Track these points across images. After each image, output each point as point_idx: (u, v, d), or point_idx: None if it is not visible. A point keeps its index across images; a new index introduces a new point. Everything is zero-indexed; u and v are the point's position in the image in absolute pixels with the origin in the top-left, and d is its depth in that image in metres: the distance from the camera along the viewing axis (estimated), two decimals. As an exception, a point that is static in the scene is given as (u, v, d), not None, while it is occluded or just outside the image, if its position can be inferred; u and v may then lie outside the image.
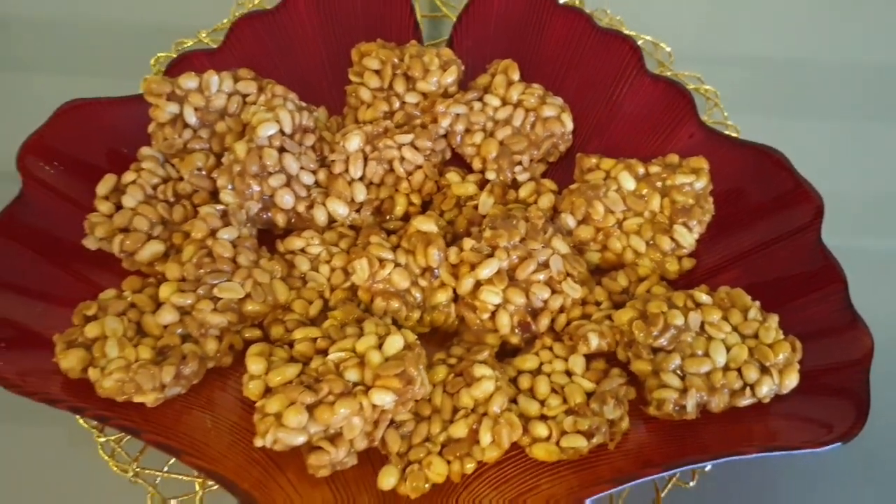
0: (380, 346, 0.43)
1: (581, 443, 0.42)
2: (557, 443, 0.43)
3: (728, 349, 0.44)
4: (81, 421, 0.47)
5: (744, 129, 0.57)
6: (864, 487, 0.47)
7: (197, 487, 0.45)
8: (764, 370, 0.44)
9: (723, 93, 0.60)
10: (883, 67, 0.67)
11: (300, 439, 0.41)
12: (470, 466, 0.42)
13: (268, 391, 0.42)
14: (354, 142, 0.51)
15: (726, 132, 0.56)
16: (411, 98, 0.55)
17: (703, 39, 0.68)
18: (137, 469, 0.46)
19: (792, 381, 0.43)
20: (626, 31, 0.59)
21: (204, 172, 0.51)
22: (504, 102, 0.54)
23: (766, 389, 0.43)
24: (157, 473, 0.46)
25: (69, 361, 0.43)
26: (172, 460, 0.46)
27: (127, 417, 0.43)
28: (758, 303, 0.46)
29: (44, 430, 0.48)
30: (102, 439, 0.47)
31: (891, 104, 0.65)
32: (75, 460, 0.48)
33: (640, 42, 0.58)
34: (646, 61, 0.56)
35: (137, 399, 0.43)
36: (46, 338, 0.45)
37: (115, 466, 0.46)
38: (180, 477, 0.46)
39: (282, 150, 0.49)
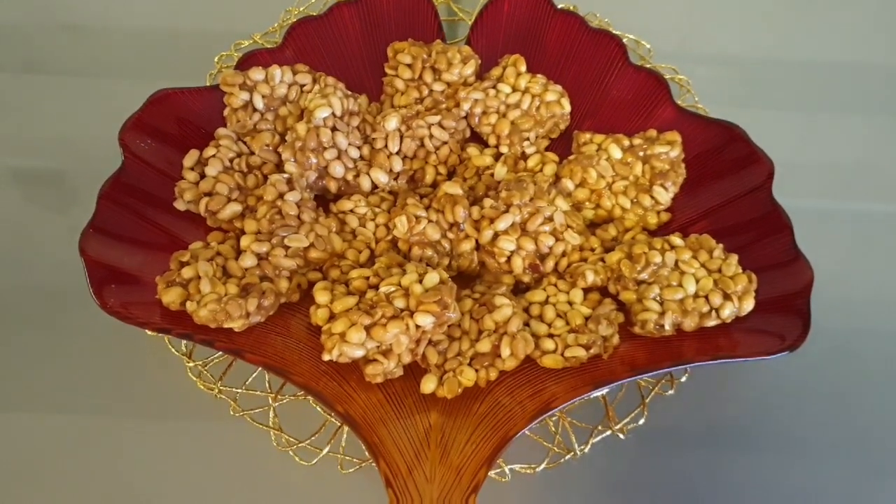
0: (420, 281, 0.50)
1: (581, 353, 0.50)
2: (562, 354, 0.51)
3: (697, 281, 0.52)
4: (173, 350, 0.54)
5: (711, 113, 0.64)
6: (809, 396, 0.56)
7: (269, 401, 0.53)
8: (726, 297, 0.51)
9: (693, 83, 0.67)
10: (837, 63, 0.75)
11: (359, 353, 0.49)
12: (493, 374, 0.51)
13: (332, 317, 0.51)
14: (392, 122, 0.59)
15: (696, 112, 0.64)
16: (438, 87, 0.62)
17: (678, 39, 0.75)
18: (221, 387, 0.53)
19: (749, 305, 0.51)
20: (613, 31, 0.68)
21: (271, 148, 0.58)
22: (514, 89, 0.61)
23: (728, 312, 0.51)
24: (237, 390, 0.53)
25: (170, 297, 0.51)
26: (249, 380, 0.53)
27: (224, 340, 0.50)
28: (721, 245, 0.54)
29: (142, 360, 0.56)
30: (191, 364, 0.54)
31: (843, 95, 0.73)
32: (169, 383, 0.55)
33: (624, 40, 0.66)
34: (630, 56, 0.63)
35: (227, 325, 0.50)
36: (146, 281, 0.53)
37: (202, 385, 0.54)
38: (256, 393, 0.53)
39: (334, 129, 0.57)
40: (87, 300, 0.50)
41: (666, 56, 0.69)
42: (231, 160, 0.58)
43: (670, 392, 0.54)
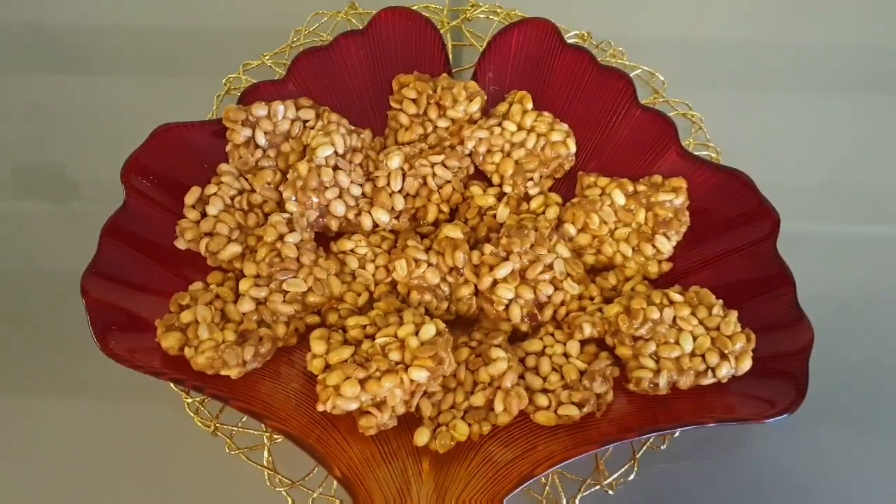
0: (416, 333, 0.50)
1: (574, 411, 0.50)
2: (555, 411, 0.51)
3: (694, 339, 0.51)
4: (173, 386, 0.55)
5: (723, 147, 0.64)
6: (805, 452, 0.56)
7: (265, 440, 0.54)
8: (723, 356, 0.51)
9: (708, 116, 0.66)
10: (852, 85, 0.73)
11: (353, 406, 0.49)
12: (486, 428, 0.51)
13: (327, 367, 0.51)
14: (395, 161, 0.58)
15: (707, 151, 0.64)
16: (442, 123, 0.61)
17: (693, 71, 0.73)
18: (217, 424, 0.54)
19: (746, 365, 0.51)
20: (626, 62, 0.66)
21: (272, 186, 0.58)
22: (519, 128, 0.60)
23: (724, 371, 0.51)
24: (233, 428, 0.54)
25: (168, 342, 0.52)
26: (245, 417, 0.54)
27: (215, 387, 0.51)
28: (721, 301, 0.53)
29: (143, 394, 0.57)
30: (189, 400, 0.55)
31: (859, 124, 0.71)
32: (167, 418, 0.56)
33: (637, 72, 0.64)
34: (642, 89, 0.62)
35: (224, 372, 0.51)
36: (147, 322, 0.53)
37: (199, 422, 0.54)
38: (251, 431, 0.54)
39: (336, 167, 0.57)
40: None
41: (680, 89, 0.68)
42: (232, 198, 0.58)
43: (663, 447, 0.54)
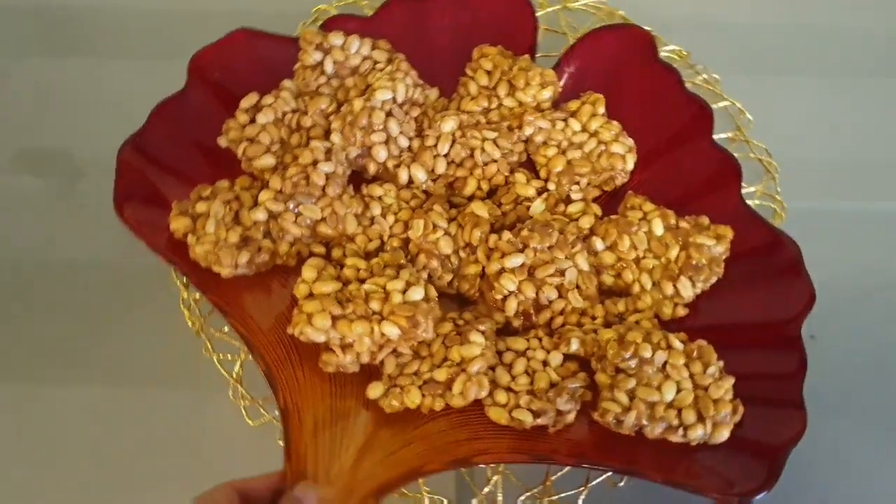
0: (404, 291, 0.50)
1: (528, 418, 0.48)
2: (510, 412, 0.49)
3: (678, 391, 0.48)
4: (177, 281, 0.57)
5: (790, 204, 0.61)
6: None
7: (241, 355, 0.55)
8: (700, 419, 0.48)
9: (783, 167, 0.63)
10: None
11: (320, 338, 0.49)
12: (439, 405, 0.49)
13: (310, 295, 0.51)
14: (449, 125, 0.58)
15: (773, 204, 0.61)
16: (508, 102, 0.60)
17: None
18: (203, 324, 0.56)
19: (722, 436, 0.48)
20: (717, 91, 0.63)
21: (324, 113, 0.58)
22: (583, 129, 0.59)
23: (696, 434, 0.47)
24: (216, 333, 0.56)
25: (177, 224, 0.54)
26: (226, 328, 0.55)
27: (203, 279, 0.53)
28: (721, 364, 0.50)
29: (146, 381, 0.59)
30: (185, 295, 0.57)
31: None
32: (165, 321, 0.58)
33: (724, 103, 0.62)
34: (726, 122, 0.59)
35: (216, 269, 0.52)
36: (167, 203, 0.55)
37: (188, 319, 0.56)
38: (233, 342, 0.55)
39: (389, 114, 0.57)
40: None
41: (766, 131, 0.65)
42: (284, 114, 0.58)
43: (620, 484, 0.51)
